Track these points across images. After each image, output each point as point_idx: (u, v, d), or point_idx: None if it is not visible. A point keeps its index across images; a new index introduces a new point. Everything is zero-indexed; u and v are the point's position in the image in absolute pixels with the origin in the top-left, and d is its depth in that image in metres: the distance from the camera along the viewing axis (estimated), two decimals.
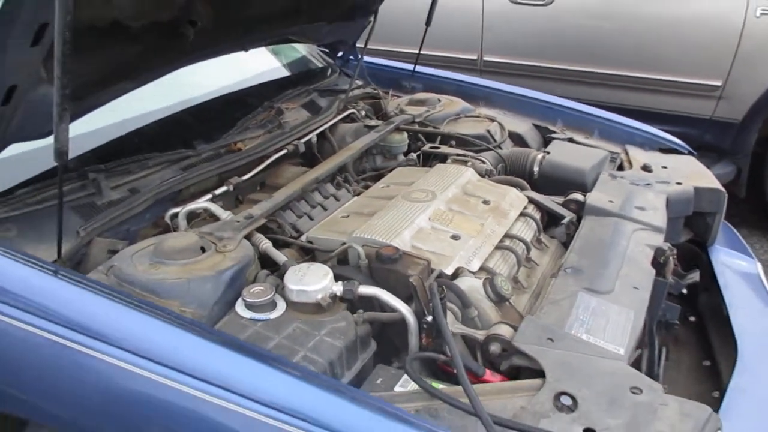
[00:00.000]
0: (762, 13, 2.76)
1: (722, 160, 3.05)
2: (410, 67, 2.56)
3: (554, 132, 2.27)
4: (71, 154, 1.33)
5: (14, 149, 1.33)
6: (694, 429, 1.00)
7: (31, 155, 1.40)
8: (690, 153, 2.15)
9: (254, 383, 0.97)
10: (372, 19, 2.27)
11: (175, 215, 1.50)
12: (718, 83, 2.94)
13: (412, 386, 1.09)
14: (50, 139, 1.34)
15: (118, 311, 1.07)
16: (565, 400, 1.04)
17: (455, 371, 1.07)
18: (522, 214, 1.67)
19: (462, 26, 3.46)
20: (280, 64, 2.35)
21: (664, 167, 2.02)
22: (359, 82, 2.38)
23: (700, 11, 2.91)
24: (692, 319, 1.95)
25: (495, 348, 1.19)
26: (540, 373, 1.11)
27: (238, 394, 0.95)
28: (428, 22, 2.33)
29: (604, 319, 1.29)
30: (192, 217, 1.51)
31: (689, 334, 1.93)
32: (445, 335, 1.11)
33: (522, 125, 2.27)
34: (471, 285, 1.32)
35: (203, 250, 1.27)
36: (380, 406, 0.96)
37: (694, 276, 1.71)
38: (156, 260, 1.23)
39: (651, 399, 1.06)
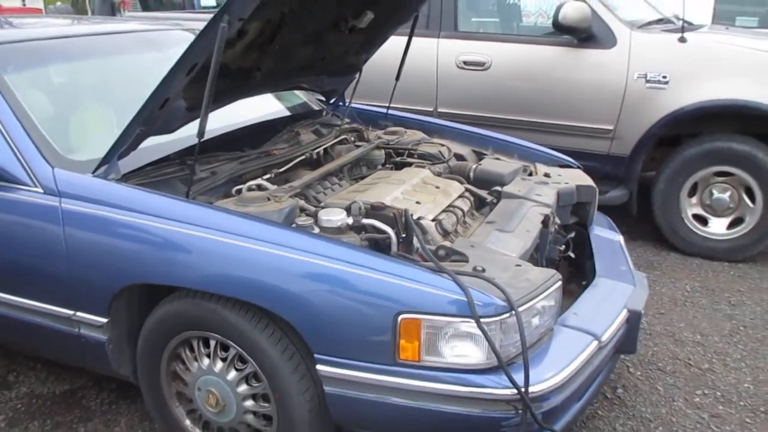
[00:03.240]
0: (638, 77, 3.78)
1: (618, 186, 3.99)
2: (384, 110, 3.47)
3: (486, 154, 3.16)
4: (180, 147, 2.18)
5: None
6: (545, 278, 1.86)
7: (153, 147, 2.24)
8: (578, 167, 3.09)
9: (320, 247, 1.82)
10: (357, 75, 3.20)
11: (239, 190, 2.33)
12: (611, 127, 3.87)
13: None
14: (167, 137, 2.19)
15: (231, 215, 1.92)
16: (478, 267, 1.88)
17: (419, 257, 1.92)
18: (460, 196, 2.55)
19: (420, 85, 4.33)
20: (292, 105, 3.26)
21: (559, 175, 2.92)
22: (348, 120, 3.28)
23: (596, 75, 3.89)
24: (584, 283, 2.84)
25: (441, 252, 2.01)
26: (466, 261, 1.96)
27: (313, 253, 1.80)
28: (397, 78, 3.19)
29: (506, 242, 2.16)
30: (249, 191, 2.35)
31: (581, 292, 2.81)
32: (415, 231, 1.97)
33: (464, 149, 3.12)
34: (427, 224, 2.17)
35: (268, 199, 2.11)
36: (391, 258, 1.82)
37: (571, 235, 2.60)
38: (239, 204, 2.06)
39: (525, 268, 1.92)
